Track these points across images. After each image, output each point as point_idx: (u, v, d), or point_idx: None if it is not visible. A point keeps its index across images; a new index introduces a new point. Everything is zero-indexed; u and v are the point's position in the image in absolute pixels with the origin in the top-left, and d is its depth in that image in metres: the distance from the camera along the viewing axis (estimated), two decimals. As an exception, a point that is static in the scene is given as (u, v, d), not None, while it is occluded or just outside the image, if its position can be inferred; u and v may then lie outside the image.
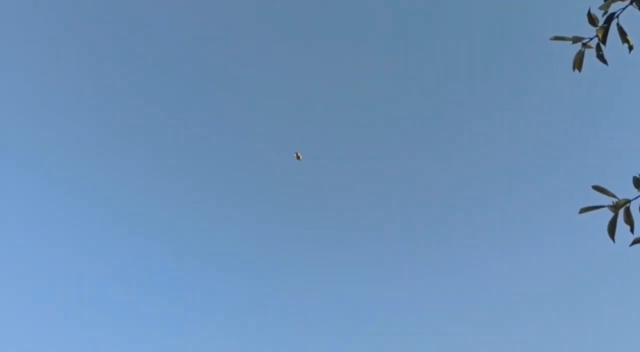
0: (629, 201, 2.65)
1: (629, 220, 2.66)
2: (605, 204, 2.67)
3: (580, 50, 2.92)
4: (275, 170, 20.95)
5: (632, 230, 2.66)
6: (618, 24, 2.80)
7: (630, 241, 2.67)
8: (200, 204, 20.94)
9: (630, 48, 2.83)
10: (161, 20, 20.74)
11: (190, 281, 19.88)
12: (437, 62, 20.90)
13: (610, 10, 2.78)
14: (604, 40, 2.81)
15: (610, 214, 2.65)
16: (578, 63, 2.92)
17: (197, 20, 20.89)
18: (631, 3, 2.73)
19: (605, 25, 2.79)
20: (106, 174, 20.91)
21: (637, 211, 2.64)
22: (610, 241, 2.67)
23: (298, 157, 14.12)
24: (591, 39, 2.89)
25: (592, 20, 2.84)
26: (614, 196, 2.67)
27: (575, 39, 2.90)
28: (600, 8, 2.79)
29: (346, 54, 21.71)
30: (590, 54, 2.91)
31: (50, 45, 20.17)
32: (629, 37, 2.82)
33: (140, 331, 18.82)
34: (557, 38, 2.93)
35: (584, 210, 2.69)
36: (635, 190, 2.63)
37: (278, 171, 20.98)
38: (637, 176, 2.61)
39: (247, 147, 21.23)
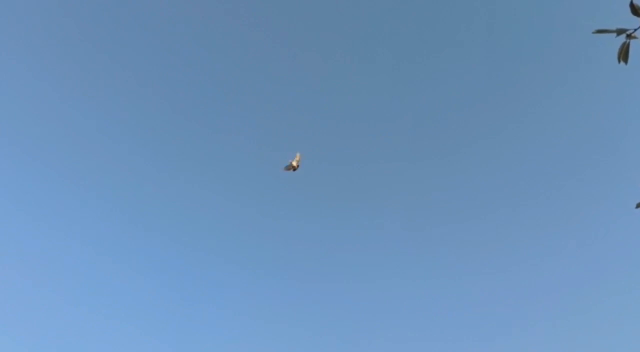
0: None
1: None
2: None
3: (625, 42, 2.87)
4: (283, 171, 21.02)
5: None
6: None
7: None
8: (208, 203, 21.27)
9: None
10: (164, 21, 21.14)
11: (195, 279, 20.24)
12: (447, 59, 20.58)
13: None
14: (649, 30, 2.77)
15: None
16: (624, 55, 2.88)
17: (204, 22, 21.19)
18: None
19: (650, 15, 2.75)
20: (118, 174, 21.45)
21: None
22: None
23: (293, 167, 10.16)
24: (635, 29, 2.84)
25: (635, 10, 2.79)
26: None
27: (620, 31, 2.86)
28: None
29: (352, 54, 21.60)
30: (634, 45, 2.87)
31: (52, 45, 20.80)
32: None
33: (148, 328, 19.28)
34: (600, 31, 2.90)
35: (641, 203, 2.65)
36: None
37: (285, 172, 21.02)
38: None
39: (253, 148, 21.45)
